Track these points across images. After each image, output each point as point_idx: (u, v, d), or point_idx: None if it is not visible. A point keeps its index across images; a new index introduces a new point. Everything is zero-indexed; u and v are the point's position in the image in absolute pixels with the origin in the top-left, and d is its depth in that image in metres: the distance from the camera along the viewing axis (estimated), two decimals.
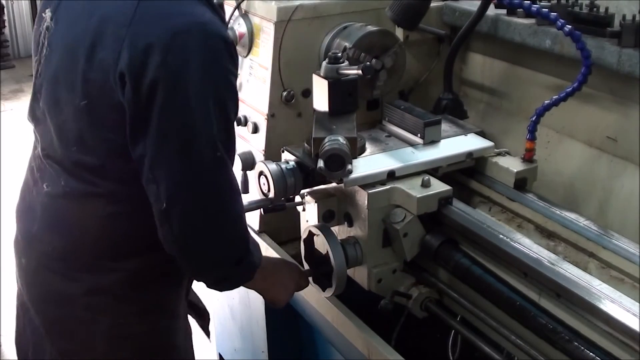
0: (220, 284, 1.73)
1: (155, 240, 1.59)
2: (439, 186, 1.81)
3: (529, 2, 1.95)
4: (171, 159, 1.49)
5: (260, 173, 1.88)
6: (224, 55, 1.51)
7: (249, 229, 1.74)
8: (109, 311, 1.69)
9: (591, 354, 1.43)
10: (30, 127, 1.77)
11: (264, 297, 1.91)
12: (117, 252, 1.66)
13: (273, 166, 1.85)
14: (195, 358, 1.97)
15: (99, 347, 1.71)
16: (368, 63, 1.93)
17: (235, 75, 1.57)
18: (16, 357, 1.90)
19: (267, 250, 2.29)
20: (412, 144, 1.98)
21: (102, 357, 1.72)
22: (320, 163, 1.70)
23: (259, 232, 2.33)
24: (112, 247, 1.66)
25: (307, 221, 1.95)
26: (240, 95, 2.37)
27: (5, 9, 8.32)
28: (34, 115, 1.71)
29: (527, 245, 1.66)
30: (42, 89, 1.65)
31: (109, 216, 1.63)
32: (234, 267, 1.66)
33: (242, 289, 2.51)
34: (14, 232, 1.82)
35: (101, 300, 1.68)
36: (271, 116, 2.24)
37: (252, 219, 2.31)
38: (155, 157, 1.49)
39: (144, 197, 1.55)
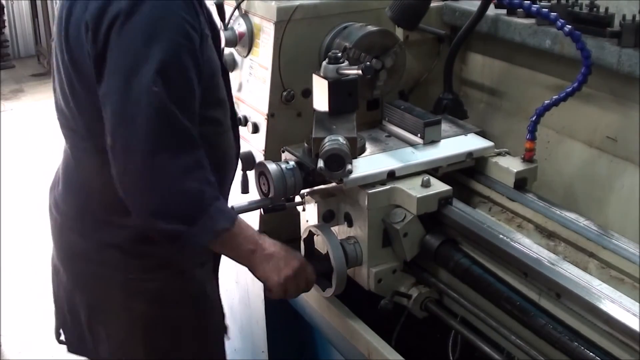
0: (174, 242, 1.64)
1: None
2: (439, 186, 1.81)
3: (529, 2, 1.95)
4: (114, 93, 1.56)
5: (260, 173, 1.88)
6: (179, 4, 1.58)
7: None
8: (121, 267, 1.78)
9: (591, 354, 1.43)
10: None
11: (257, 278, 1.83)
12: (123, 208, 1.71)
13: (273, 166, 1.85)
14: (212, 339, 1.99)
15: (116, 300, 1.82)
16: (368, 63, 1.94)
17: (193, 26, 1.60)
18: (58, 319, 2.04)
19: None
20: (412, 144, 1.98)
21: (120, 309, 1.82)
22: (320, 163, 1.70)
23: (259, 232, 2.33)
24: (118, 204, 1.71)
25: (307, 221, 1.95)
26: (240, 95, 2.38)
27: (5, 9, 8.32)
28: (53, 90, 1.81)
29: (527, 245, 1.66)
30: (52, 61, 1.77)
31: (109, 172, 1.67)
32: (187, 226, 1.60)
33: (242, 287, 2.52)
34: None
35: (113, 256, 1.78)
36: (271, 116, 2.24)
37: (252, 219, 2.31)
38: (105, 94, 1.57)
39: None
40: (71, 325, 1.95)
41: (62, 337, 2.04)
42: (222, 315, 2.04)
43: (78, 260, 1.84)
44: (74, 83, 1.66)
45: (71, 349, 2.02)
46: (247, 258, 1.74)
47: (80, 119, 1.69)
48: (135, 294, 1.80)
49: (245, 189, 2.27)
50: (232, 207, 1.75)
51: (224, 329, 2.06)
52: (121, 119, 1.55)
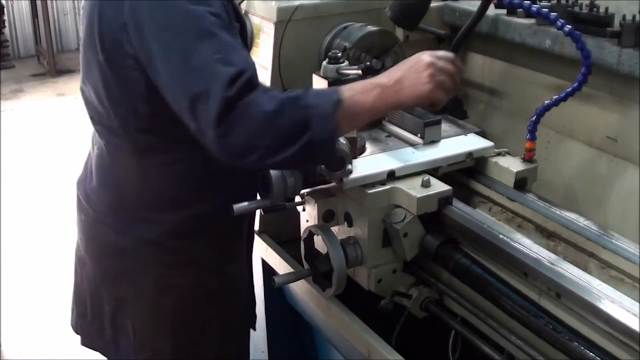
0: (313, 154, 1.53)
1: (194, 194, 1.72)
2: (439, 186, 1.81)
3: (529, 2, 1.95)
4: (175, 82, 1.52)
5: (260, 173, 1.87)
6: None
7: None
8: (154, 262, 1.81)
9: (591, 354, 1.43)
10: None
11: (414, 106, 1.73)
12: (158, 205, 1.76)
13: None
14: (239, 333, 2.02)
15: (147, 295, 1.84)
16: (368, 63, 1.94)
17: (226, 9, 1.60)
18: (75, 311, 2.05)
19: (267, 250, 2.30)
20: (412, 144, 1.98)
21: (150, 304, 1.85)
22: None
23: (259, 232, 2.33)
24: (153, 200, 1.76)
25: (307, 221, 1.95)
26: None
27: (5, 9, 8.32)
28: (81, 89, 1.81)
29: (527, 245, 1.66)
30: (80, 60, 1.77)
31: (144, 169, 1.72)
32: (306, 133, 1.47)
33: None
34: (75, 196, 1.96)
35: (148, 252, 1.80)
36: None
37: None
38: (166, 85, 1.54)
39: (173, 150, 1.70)
40: (91, 318, 1.97)
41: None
42: (250, 308, 2.07)
43: (109, 255, 1.85)
44: (109, 83, 1.66)
45: (85, 342, 2.04)
46: (387, 103, 1.58)
47: (115, 117, 1.70)
48: (167, 289, 1.83)
49: None
50: (232, 206, 1.75)
51: (249, 322, 2.08)
52: (196, 98, 1.48)
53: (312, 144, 1.48)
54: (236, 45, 1.56)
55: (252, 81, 1.49)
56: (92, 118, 1.80)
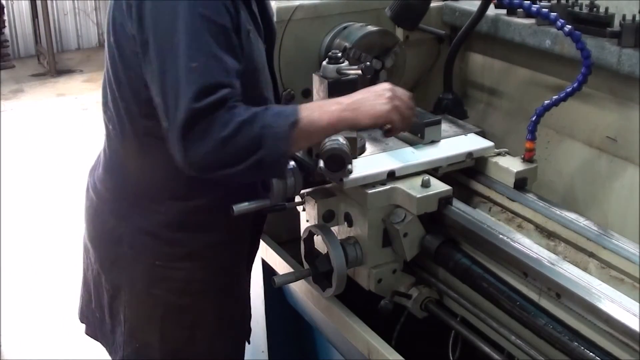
0: (264, 172, 1.62)
1: (192, 186, 1.72)
2: (439, 186, 1.81)
3: (529, 2, 1.95)
4: (155, 75, 1.55)
5: None
6: None
7: None
8: (149, 252, 1.82)
9: (591, 354, 1.43)
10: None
11: (370, 127, 1.76)
12: (156, 194, 1.77)
13: None
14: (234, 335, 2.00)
15: (139, 284, 1.84)
16: (368, 63, 1.94)
17: (227, 8, 1.59)
18: (83, 298, 2.05)
19: (267, 250, 2.30)
20: (412, 144, 1.98)
21: (142, 293, 1.85)
22: (320, 163, 1.70)
23: None
24: (151, 189, 1.77)
25: (307, 221, 1.95)
26: None
27: (5, 9, 8.32)
28: (103, 77, 1.82)
29: (527, 245, 1.66)
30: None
31: (144, 156, 1.73)
32: (259, 151, 1.53)
33: None
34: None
35: (144, 241, 1.81)
36: None
37: None
38: (150, 74, 1.57)
39: None
40: (95, 306, 1.98)
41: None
42: (246, 316, 2.05)
43: (108, 242, 1.86)
44: (117, 65, 1.68)
45: (89, 331, 2.06)
46: (342, 121, 1.63)
47: (120, 100, 1.71)
48: (159, 281, 1.83)
49: None
50: (232, 207, 1.74)
51: (244, 331, 2.06)
52: (168, 103, 1.53)
53: (262, 163, 1.55)
54: (221, 55, 1.55)
55: (223, 97, 1.52)
56: (104, 105, 1.81)
